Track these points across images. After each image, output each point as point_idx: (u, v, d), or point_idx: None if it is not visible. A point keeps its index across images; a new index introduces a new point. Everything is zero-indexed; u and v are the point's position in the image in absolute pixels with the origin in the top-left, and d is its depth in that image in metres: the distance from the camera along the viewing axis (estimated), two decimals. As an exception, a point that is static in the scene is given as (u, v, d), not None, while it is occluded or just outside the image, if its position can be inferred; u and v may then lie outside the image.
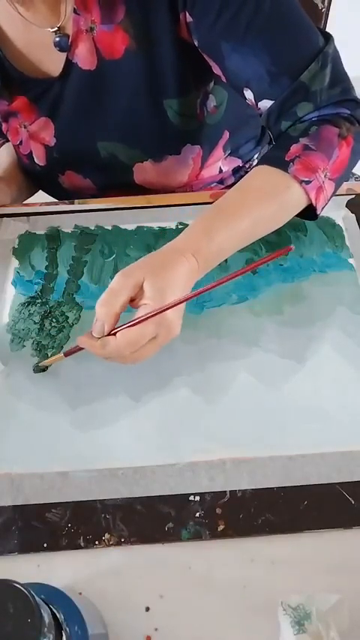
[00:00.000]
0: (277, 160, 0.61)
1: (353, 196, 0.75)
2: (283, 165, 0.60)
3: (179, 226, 0.73)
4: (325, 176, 0.61)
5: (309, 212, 0.64)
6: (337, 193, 0.76)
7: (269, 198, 0.60)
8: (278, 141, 0.65)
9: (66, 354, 0.58)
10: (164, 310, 0.51)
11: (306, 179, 0.60)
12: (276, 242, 0.71)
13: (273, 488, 0.53)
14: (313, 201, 0.61)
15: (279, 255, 0.50)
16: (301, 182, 0.60)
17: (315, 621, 0.42)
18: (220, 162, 0.87)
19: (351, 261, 0.69)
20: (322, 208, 0.64)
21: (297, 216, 0.63)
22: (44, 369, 0.62)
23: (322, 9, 0.92)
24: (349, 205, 0.74)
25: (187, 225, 0.72)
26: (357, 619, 0.44)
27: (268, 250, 0.70)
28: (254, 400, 0.59)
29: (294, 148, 0.61)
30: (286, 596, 0.44)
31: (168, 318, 0.52)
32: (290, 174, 0.60)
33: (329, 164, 0.61)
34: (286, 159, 0.61)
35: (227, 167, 0.89)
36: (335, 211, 0.73)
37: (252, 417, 0.58)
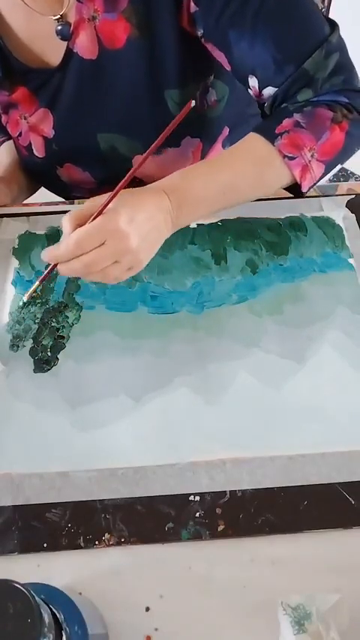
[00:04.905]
0: (267, 130, 0.64)
1: (353, 196, 0.75)
2: (272, 137, 0.63)
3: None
4: (312, 156, 0.63)
5: (296, 189, 0.65)
6: (337, 193, 0.76)
7: (252, 163, 0.63)
8: (274, 113, 0.66)
9: (41, 280, 0.58)
10: (106, 204, 0.53)
11: (290, 155, 0.62)
12: (276, 242, 0.71)
13: (273, 488, 0.53)
14: (298, 179, 0.63)
15: (185, 113, 0.51)
16: (284, 157, 0.62)
17: (315, 621, 0.42)
18: None
19: (351, 261, 0.69)
20: (310, 188, 0.65)
21: (286, 190, 0.66)
22: (43, 368, 0.62)
23: (322, 9, 0.92)
24: (349, 205, 0.74)
25: (186, 225, 0.73)
26: (357, 619, 0.44)
27: (268, 250, 0.70)
28: (254, 400, 0.59)
29: (286, 122, 0.63)
30: (286, 596, 0.44)
31: (120, 227, 0.53)
32: (276, 147, 0.62)
33: (317, 144, 0.63)
34: (276, 131, 0.63)
35: None
36: (335, 211, 0.74)
37: (252, 417, 0.58)
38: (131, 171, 0.54)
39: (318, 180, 0.65)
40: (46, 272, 0.56)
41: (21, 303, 0.66)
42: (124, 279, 0.57)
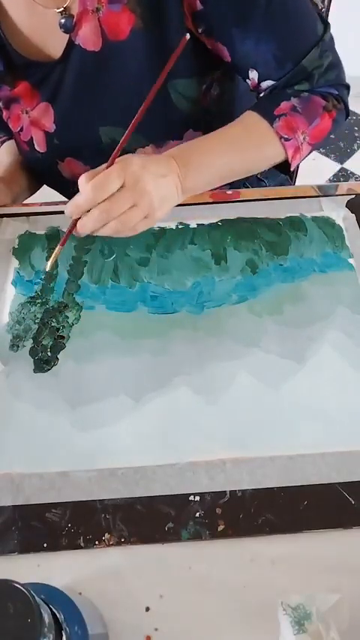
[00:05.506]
0: (266, 111, 0.70)
1: (353, 196, 0.75)
2: (270, 119, 0.69)
3: (179, 226, 0.73)
4: (304, 139, 0.71)
5: (284, 165, 0.73)
6: (337, 193, 0.76)
7: (251, 138, 0.70)
8: (273, 93, 0.72)
9: (62, 243, 0.60)
10: (116, 153, 0.56)
11: (286, 136, 0.69)
12: (276, 242, 0.71)
13: (273, 488, 0.53)
14: (290, 159, 0.71)
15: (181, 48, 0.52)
16: (281, 138, 0.69)
17: (315, 621, 0.42)
18: None
19: (351, 261, 0.69)
20: (296, 165, 0.73)
21: (274, 168, 0.74)
22: (43, 368, 0.62)
23: (322, 9, 0.92)
24: (349, 205, 0.74)
25: (186, 226, 0.73)
26: (357, 619, 0.44)
27: (268, 250, 0.70)
28: (254, 400, 0.59)
29: (284, 105, 0.70)
30: (286, 596, 0.44)
31: (134, 170, 0.57)
32: (274, 128, 0.69)
33: (309, 128, 0.70)
34: (274, 113, 0.69)
35: None
36: (335, 211, 0.74)
37: (252, 417, 0.58)
38: (138, 113, 0.56)
39: (302, 159, 0.73)
40: (67, 231, 0.59)
41: (43, 268, 0.70)
42: (140, 231, 0.60)
